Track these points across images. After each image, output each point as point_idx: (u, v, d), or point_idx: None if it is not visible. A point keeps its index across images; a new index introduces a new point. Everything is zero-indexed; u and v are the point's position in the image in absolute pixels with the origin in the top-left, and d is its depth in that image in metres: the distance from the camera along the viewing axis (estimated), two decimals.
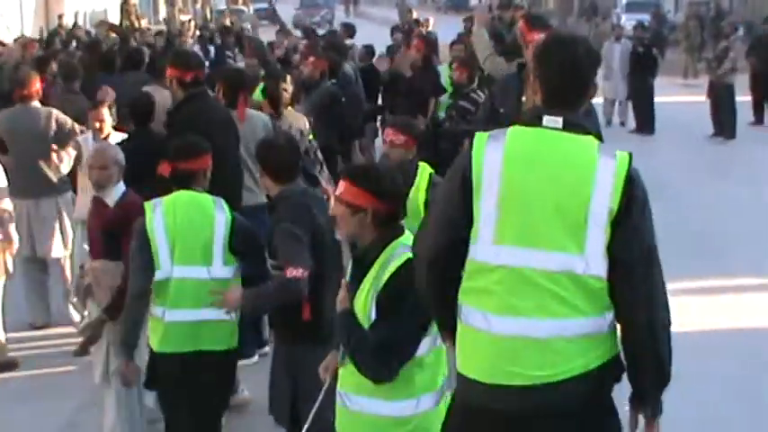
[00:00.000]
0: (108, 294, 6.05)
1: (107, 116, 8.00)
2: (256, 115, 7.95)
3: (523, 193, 3.39)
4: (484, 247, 3.41)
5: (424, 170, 6.19)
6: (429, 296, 3.66)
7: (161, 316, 5.30)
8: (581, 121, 3.49)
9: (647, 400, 3.55)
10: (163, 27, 32.15)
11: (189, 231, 5.29)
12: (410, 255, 3.87)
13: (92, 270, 6.22)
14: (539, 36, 5.93)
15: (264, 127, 7.78)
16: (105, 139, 7.84)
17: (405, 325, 3.95)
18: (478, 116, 8.80)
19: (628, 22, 35.08)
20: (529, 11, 9.58)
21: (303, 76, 10.67)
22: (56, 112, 8.82)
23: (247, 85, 8.27)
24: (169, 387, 5.45)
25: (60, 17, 27.32)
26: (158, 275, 5.25)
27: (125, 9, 34.79)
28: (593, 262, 3.36)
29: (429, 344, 4.05)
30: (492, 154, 3.42)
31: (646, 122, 19.28)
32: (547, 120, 3.44)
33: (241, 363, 7.10)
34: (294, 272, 4.90)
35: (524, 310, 3.37)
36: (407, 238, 4.09)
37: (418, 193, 6.03)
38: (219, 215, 5.37)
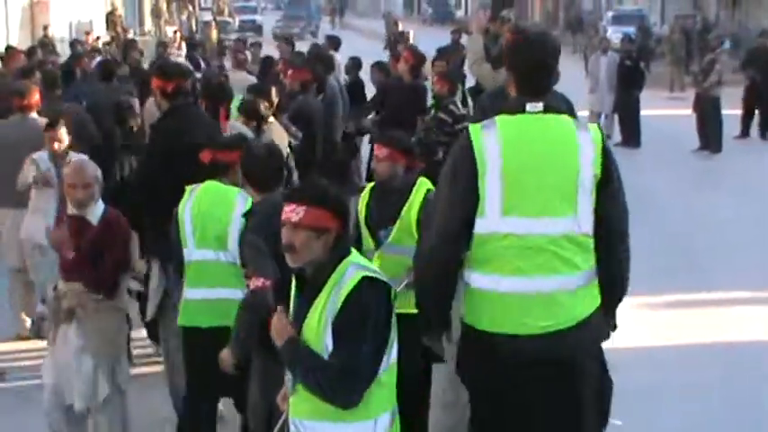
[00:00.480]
0: (98, 317, 5.94)
1: (65, 136, 7.99)
2: (239, 127, 7.98)
3: (522, 170, 4.01)
4: (493, 219, 4.04)
5: (421, 186, 5.97)
6: (435, 287, 4.24)
7: (185, 294, 5.91)
8: (556, 104, 4.18)
9: (613, 312, 4.47)
10: (147, 38, 32.22)
11: (208, 219, 5.79)
12: (364, 273, 3.83)
13: (73, 293, 5.97)
14: None
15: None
16: (61, 158, 7.83)
17: (367, 348, 3.81)
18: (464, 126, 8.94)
19: (614, 34, 35.25)
20: (516, 24, 9.61)
21: (287, 88, 10.68)
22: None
23: (227, 97, 8.29)
24: (196, 360, 5.89)
25: (45, 28, 27.31)
26: (184, 255, 5.86)
27: (111, 20, 34.91)
28: (584, 222, 4.09)
29: (385, 361, 3.89)
30: (489, 140, 4.04)
31: (632, 136, 19.38)
32: (530, 106, 4.11)
33: None
34: (256, 282, 5.11)
35: (531, 271, 4.04)
36: (356, 256, 3.96)
37: (411, 211, 5.87)
38: (239, 208, 5.71)
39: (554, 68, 4.21)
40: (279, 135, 8.46)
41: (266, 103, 8.60)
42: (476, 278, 4.16)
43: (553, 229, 4.05)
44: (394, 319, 3.92)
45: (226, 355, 5.43)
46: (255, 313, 5.12)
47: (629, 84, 19.33)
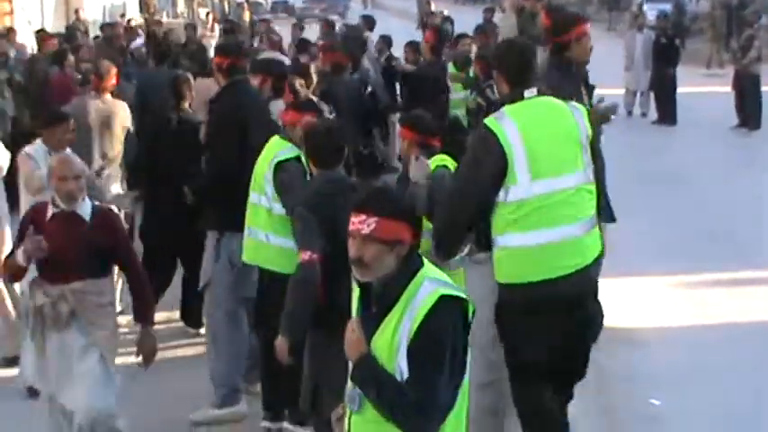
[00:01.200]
0: (99, 314, 5.68)
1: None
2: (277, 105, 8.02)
3: (539, 142, 4.90)
4: (525, 185, 4.85)
5: (434, 161, 5.91)
6: (456, 239, 5.10)
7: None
8: (543, 89, 5.15)
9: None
10: (180, 21, 32.25)
11: (258, 166, 6.17)
12: (442, 291, 3.57)
13: (71, 293, 5.60)
14: None
15: None
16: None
17: (445, 378, 3.54)
18: None
19: (649, 12, 34.92)
20: (549, 3, 9.53)
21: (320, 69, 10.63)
22: (128, 112, 9.00)
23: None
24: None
25: (77, 12, 27.39)
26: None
27: (144, 3, 34.94)
28: (588, 172, 5.04)
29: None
30: (507, 126, 4.89)
31: (667, 113, 19.22)
32: (527, 93, 5.03)
33: None
34: (303, 255, 5.19)
35: (560, 221, 4.91)
36: (429, 269, 3.69)
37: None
38: (275, 158, 6.07)
39: (536, 66, 5.24)
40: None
41: (302, 81, 8.59)
42: (513, 238, 4.91)
43: (572, 183, 4.96)
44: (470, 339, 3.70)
45: (280, 343, 5.33)
46: (305, 288, 5.14)
47: (664, 61, 19.18)
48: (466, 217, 5.05)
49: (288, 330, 5.30)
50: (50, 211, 5.69)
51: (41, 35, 16.14)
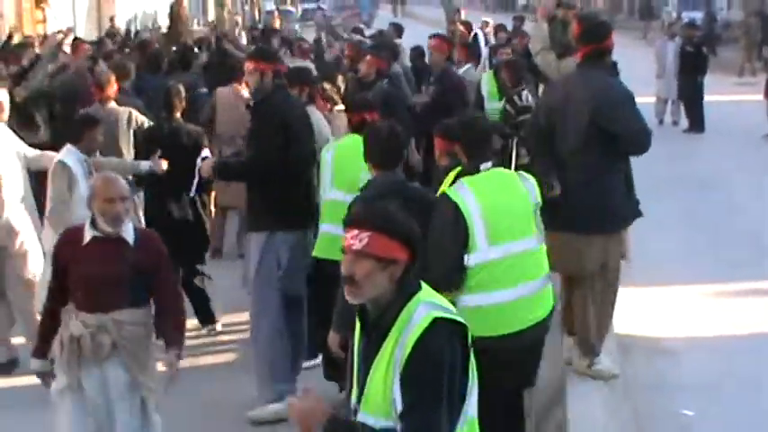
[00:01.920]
0: (140, 346, 5.35)
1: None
2: (316, 112, 8.24)
3: (497, 211, 5.30)
4: (483, 250, 5.25)
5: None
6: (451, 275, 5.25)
7: (321, 228, 6.83)
8: (497, 163, 5.63)
9: None
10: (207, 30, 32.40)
11: (346, 164, 6.61)
12: (436, 313, 3.38)
13: (113, 323, 5.24)
14: None
15: (320, 123, 8.09)
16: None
17: (442, 405, 3.33)
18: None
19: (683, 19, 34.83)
20: (581, 11, 9.55)
21: (360, 74, 10.66)
22: (135, 113, 9.03)
23: (312, 81, 8.55)
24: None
25: (112, 19, 27.61)
26: (320, 195, 6.96)
27: (175, 11, 35.14)
28: (540, 237, 5.50)
29: (463, 415, 3.47)
30: (466, 196, 5.29)
31: (695, 121, 19.14)
32: (483, 167, 5.45)
33: (306, 363, 7.32)
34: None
35: (522, 278, 5.33)
36: (427, 293, 3.51)
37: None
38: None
39: (492, 141, 5.74)
40: (344, 122, 8.52)
41: (333, 88, 8.69)
42: (472, 299, 5.25)
43: (526, 246, 5.37)
44: (473, 364, 3.50)
45: (332, 338, 5.57)
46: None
47: (691, 70, 19.08)
48: (447, 271, 5.23)
49: (338, 326, 5.51)
50: (88, 234, 5.29)
51: (75, 42, 16.28)
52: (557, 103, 6.71)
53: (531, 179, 5.58)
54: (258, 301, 7.08)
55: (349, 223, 3.50)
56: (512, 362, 5.33)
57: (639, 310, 8.68)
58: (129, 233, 5.31)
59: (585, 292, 6.72)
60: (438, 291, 4.05)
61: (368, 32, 20.64)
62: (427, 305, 3.42)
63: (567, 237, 6.52)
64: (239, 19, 40.64)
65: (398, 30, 17.83)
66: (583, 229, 6.55)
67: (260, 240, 6.99)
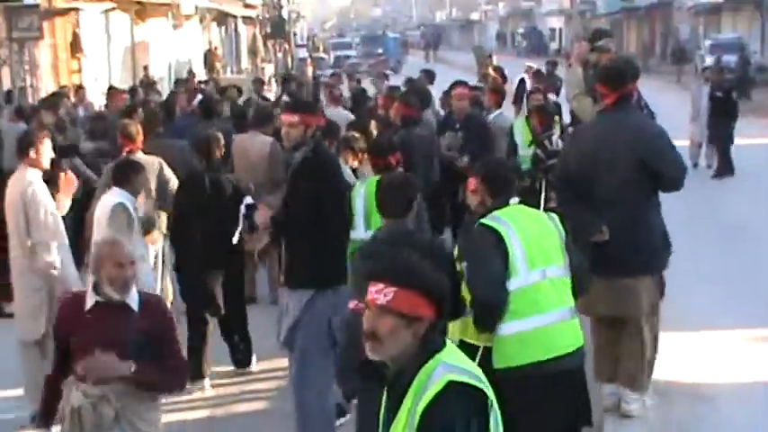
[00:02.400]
0: (144, 412, 5.12)
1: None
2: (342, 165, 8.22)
3: (531, 237, 5.47)
4: (523, 275, 5.39)
5: None
6: (495, 321, 5.36)
7: None
8: (523, 199, 5.92)
9: None
10: (242, 77, 32.72)
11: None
12: (451, 376, 3.19)
13: (115, 394, 4.97)
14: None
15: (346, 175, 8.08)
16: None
17: None
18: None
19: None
20: (616, 54, 9.53)
21: (390, 121, 10.73)
22: (164, 165, 9.20)
23: (336, 132, 8.59)
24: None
25: (146, 68, 27.97)
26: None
27: (209, 59, 35.57)
28: (567, 267, 5.57)
29: None
30: (505, 224, 5.46)
31: (724, 165, 18.94)
32: (512, 202, 5.67)
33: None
34: (359, 304, 5.15)
35: (555, 305, 5.47)
36: (449, 352, 3.31)
37: None
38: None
39: (515, 181, 5.94)
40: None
41: (363, 137, 8.76)
42: (511, 326, 5.37)
43: (557, 273, 5.50)
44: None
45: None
46: (352, 334, 5.16)
47: (720, 114, 18.90)
48: (495, 290, 5.38)
49: (342, 379, 5.58)
50: (91, 300, 5.07)
51: (112, 91, 16.54)
52: (588, 148, 6.76)
53: (555, 216, 5.75)
54: (303, 370, 6.74)
55: (373, 276, 3.31)
56: (557, 392, 5.40)
57: (677, 354, 8.60)
58: (133, 299, 5.06)
59: (635, 333, 6.87)
60: (485, 315, 5.26)
61: (394, 79, 20.73)
62: (446, 367, 3.22)
63: (623, 280, 6.69)
64: (271, 66, 41.09)
65: (430, 76, 17.89)
66: (639, 271, 6.73)
67: (303, 297, 6.72)
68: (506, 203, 5.64)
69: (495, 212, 5.56)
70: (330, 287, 6.64)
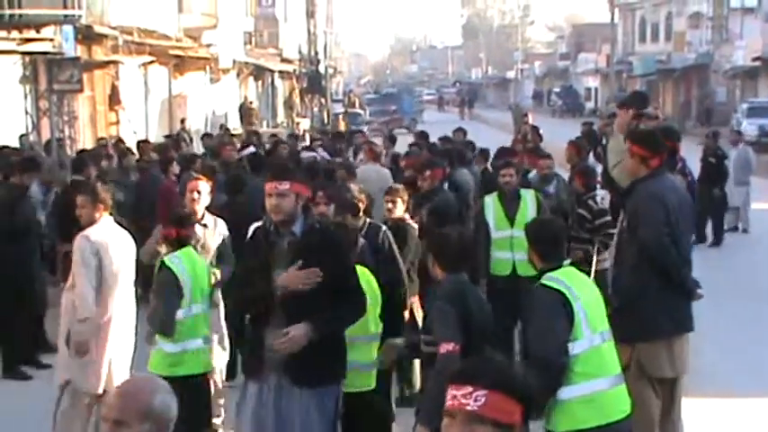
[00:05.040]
0: None
1: None
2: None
3: (590, 299, 5.57)
4: (588, 337, 5.45)
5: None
6: (554, 389, 5.39)
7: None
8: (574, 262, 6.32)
9: None
10: (280, 130, 33.05)
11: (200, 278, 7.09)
12: None
13: None
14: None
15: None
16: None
17: None
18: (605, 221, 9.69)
19: (749, 126, 34.73)
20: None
21: (423, 190, 10.40)
22: (221, 223, 8.79)
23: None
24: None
25: (183, 121, 28.37)
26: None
27: (245, 113, 35.98)
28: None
29: None
30: (567, 286, 5.50)
31: (716, 234, 18.34)
32: (564, 263, 5.74)
33: None
34: (447, 346, 5.49)
35: (613, 368, 5.59)
36: None
37: None
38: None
39: (564, 242, 6.00)
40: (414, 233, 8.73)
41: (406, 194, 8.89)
42: (574, 389, 5.42)
43: (610, 336, 5.62)
44: None
45: (420, 430, 5.49)
46: (446, 378, 5.16)
47: (710, 181, 18.12)
48: (558, 354, 5.41)
49: (427, 421, 5.37)
50: None
51: (142, 145, 16.93)
52: (671, 208, 6.84)
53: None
54: None
55: (460, 377, 2.96)
56: None
57: (707, 421, 8.59)
58: None
59: (672, 392, 6.94)
60: (547, 375, 5.29)
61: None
62: None
63: (685, 336, 6.89)
64: (307, 121, 41.45)
65: (464, 134, 18.07)
66: (691, 328, 6.96)
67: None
68: (559, 266, 5.70)
69: (552, 274, 5.61)
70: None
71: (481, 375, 2.90)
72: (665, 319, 6.73)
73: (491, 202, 9.81)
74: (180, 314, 7.03)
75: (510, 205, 9.69)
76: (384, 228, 8.08)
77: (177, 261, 7.10)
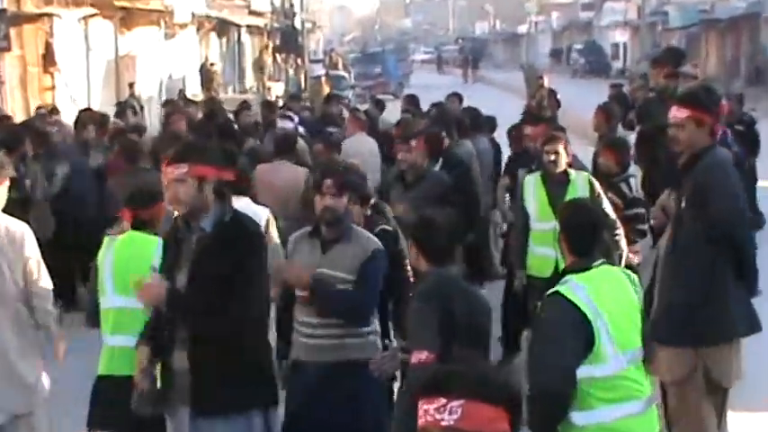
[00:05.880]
0: None
1: None
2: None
3: (619, 313, 5.33)
4: (616, 360, 5.25)
5: None
6: (558, 419, 5.19)
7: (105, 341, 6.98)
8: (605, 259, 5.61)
9: None
10: (249, 96, 32.88)
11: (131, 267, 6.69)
12: None
13: None
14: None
15: None
16: None
17: None
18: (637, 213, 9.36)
19: None
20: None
21: (404, 166, 10.19)
22: None
23: None
24: None
25: (131, 86, 28.13)
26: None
27: (206, 76, 35.79)
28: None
29: None
30: (588, 300, 5.22)
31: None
32: (595, 264, 5.41)
33: None
34: (419, 355, 5.43)
35: (648, 388, 5.48)
36: None
37: None
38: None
39: (601, 233, 5.67)
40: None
41: None
42: (603, 414, 5.27)
43: (640, 355, 5.43)
44: None
45: None
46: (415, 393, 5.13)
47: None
48: (563, 380, 5.18)
49: None
50: None
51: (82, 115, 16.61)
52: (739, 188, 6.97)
53: (635, 277, 5.62)
54: None
55: (430, 388, 3.02)
56: None
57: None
58: None
59: (722, 404, 6.92)
60: (540, 406, 5.00)
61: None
62: None
63: (737, 342, 6.84)
64: (281, 85, 41.31)
65: (459, 101, 17.77)
66: (760, 327, 6.92)
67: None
68: (588, 267, 5.38)
69: (575, 279, 5.30)
70: None
71: (453, 383, 2.94)
72: (740, 316, 6.65)
73: (532, 185, 9.35)
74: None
75: (556, 190, 9.03)
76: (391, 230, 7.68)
77: None
